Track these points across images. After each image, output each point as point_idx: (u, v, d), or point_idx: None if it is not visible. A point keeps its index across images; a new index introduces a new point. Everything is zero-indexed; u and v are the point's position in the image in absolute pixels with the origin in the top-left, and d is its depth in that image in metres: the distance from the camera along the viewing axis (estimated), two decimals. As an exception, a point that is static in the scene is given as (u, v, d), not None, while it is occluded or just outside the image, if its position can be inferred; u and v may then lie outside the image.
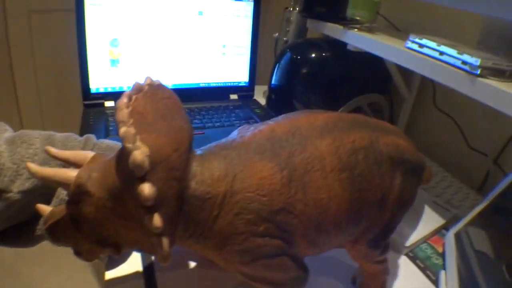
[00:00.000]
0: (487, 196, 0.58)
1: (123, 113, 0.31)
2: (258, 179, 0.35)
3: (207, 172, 0.35)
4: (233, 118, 0.91)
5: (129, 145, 0.29)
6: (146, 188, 0.29)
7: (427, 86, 0.97)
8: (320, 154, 0.38)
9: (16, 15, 1.70)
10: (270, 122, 0.41)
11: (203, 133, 0.82)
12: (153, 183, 0.30)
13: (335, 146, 0.38)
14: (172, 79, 0.96)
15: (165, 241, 0.31)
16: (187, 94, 0.98)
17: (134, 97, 0.34)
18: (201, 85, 0.99)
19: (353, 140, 0.40)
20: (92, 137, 0.53)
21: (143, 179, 0.29)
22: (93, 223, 0.35)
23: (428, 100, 0.98)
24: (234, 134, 0.41)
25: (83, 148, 0.50)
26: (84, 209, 0.34)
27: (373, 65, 0.93)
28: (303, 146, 0.38)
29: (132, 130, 0.30)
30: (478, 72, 0.54)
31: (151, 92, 0.36)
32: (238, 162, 0.36)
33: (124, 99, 0.32)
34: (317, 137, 0.39)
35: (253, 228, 0.35)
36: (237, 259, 0.37)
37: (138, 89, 0.35)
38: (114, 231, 0.36)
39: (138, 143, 0.30)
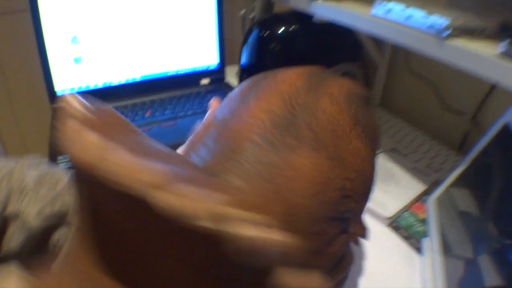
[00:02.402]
0: (467, 156, 0.57)
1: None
2: (310, 177, 0.27)
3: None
4: (206, 104, 0.88)
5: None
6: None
7: (399, 49, 0.96)
8: (333, 117, 0.30)
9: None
10: (247, 104, 0.31)
11: (174, 123, 0.79)
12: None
13: (335, 102, 0.32)
14: (139, 71, 0.93)
15: None
16: (156, 85, 0.95)
17: None
18: (169, 74, 0.96)
19: (339, 89, 0.33)
20: None
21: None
22: None
23: (401, 64, 0.96)
24: (212, 133, 0.31)
25: None
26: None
27: (343, 33, 0.91)
28: (314, 115, 0.30)
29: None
30: (446, 34, 0.52)
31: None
32: (265, 173, 0.26)
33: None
34: (315, 99, 0.31)
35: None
36: None
37: None
38: None
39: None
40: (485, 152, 0.55)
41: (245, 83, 0.37)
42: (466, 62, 0.50)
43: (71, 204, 0.36)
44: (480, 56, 0.48)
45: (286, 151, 0.27)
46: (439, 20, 0.53)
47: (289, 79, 0.34)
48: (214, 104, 0.41)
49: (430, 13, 0.55)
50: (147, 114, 0.83)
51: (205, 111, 0.84)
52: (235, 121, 0.30)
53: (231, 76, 1.09)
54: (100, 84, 0.89)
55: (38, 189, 0.36)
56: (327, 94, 0.32)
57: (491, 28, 0.53)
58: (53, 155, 0.67)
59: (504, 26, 0.49)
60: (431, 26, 0.54)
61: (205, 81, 1.01)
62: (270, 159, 0.27)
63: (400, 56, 0.96)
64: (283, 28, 0.90)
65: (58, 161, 0.64)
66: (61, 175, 0.39)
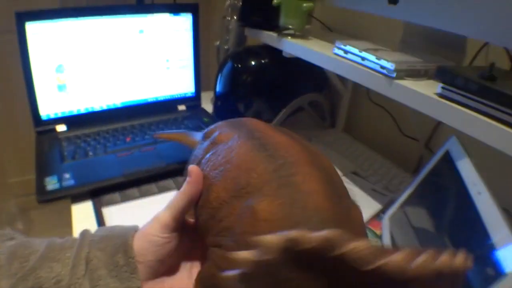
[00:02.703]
0: (416, 177, 0.65)
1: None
2: (362, 222, 0.38)
3: None
4: (182, 130, 0.95)
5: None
6: None
7: (361, 81, 1.05)
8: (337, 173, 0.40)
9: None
10: (298, 183, 0.34)
11: (154, 148, 0.85)
12: None
13: (327, 160, 0.41)
14: (120, 97, 0.99)
15: None
16: (136, 111, 1.01)
17: None
18: (149, 100, 1.02)
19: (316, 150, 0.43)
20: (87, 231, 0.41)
21: None
22: None
23: (363, 94, 1.05)
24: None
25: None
26: None
27: (310, 66, 0.99)
28: (335, 176, 0.38)
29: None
30: (394, 75, 0.61)
31: None
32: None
33: None
34: (323, 164, 0.38)
35: None
36: None
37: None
38: None
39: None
40: (431, 174, 0.63)
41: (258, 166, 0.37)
42: (411, 100, 0.59)
43: (44, 279, 0.36)
44: (422, 95, 0.57)
45: (347, 208, 0.36)
46: (388, 63, 0.62)
47: (297, 152, 0.38)
48: (194, 172, 0.41)
49: (380, 57, 0.64)
50: (128, 139, 0.88)
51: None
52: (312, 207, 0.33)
53: (206, 102, 1.15)
54: (82, 110, 0.94)
55: (10, 264, 0.36)
56: (317, 156, 0.39)
57: (432, 70, 0.62)
58: (40, 176, 0.71)
59: (440, 70, 0.57)
60: (382, 68, 0.63)
61: (182, 107, 1.08)
62: (345, 218, 0.34)
63: (362, 88, 1.05)
64: (254, 61, 0.98)
65: (46, 183, 0.69)
66: (35, 246, 0.38)
